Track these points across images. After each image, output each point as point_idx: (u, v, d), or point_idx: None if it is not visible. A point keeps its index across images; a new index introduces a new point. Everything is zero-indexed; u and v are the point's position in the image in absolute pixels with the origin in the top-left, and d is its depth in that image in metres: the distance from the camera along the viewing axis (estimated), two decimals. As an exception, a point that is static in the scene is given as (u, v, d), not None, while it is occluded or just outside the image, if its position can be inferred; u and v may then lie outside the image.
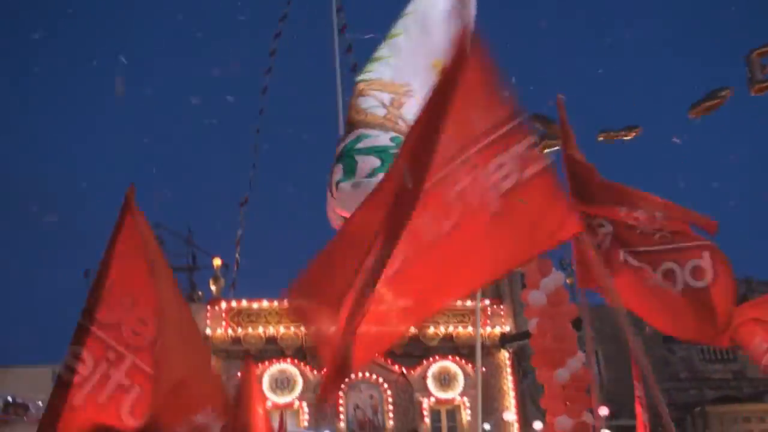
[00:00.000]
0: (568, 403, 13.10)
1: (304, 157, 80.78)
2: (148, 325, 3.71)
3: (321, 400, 21.89)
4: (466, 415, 24.52)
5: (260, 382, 23.53)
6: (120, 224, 3.86)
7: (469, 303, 25.48)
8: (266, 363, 23.75)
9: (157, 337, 3.69)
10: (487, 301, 25.07)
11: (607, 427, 21.07)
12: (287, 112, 62.37)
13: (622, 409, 19.98)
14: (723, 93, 14.19)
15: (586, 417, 13.21)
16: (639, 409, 9.25)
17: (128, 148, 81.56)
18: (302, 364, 23.88)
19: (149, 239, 3.96)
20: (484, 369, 24.34)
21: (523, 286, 14.54)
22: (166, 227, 33.16)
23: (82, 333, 3.65)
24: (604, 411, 21.92)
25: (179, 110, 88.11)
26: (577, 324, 14.83)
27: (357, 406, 24.07)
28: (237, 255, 27.87)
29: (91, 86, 76.47)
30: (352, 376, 24.12)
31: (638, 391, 9.32)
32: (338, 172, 7.74)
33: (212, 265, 25.76)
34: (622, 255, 5.20)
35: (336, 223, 7.77)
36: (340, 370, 4.12)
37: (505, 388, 25.03)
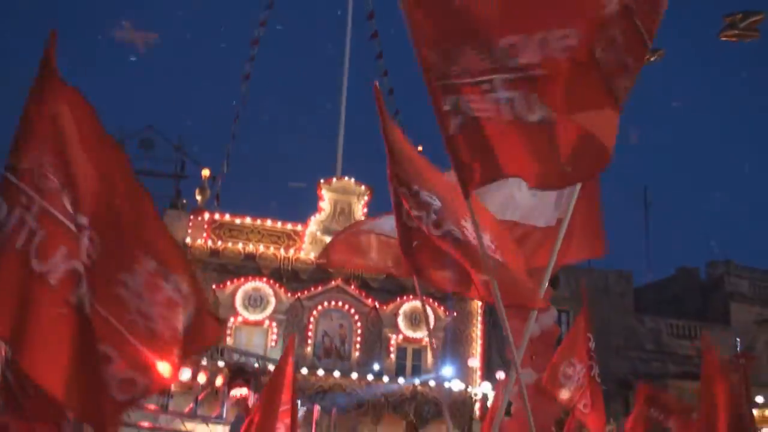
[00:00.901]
0: (534, 357, 13.20)
1: (299, 77, 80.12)
2: (60, 171, 3.64)
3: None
4: (431, 356, 24.80)
5: (233, 297, 23.69)
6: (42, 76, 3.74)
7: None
8: (242, 279, 23.84)
9: (74, 181, 3.65)
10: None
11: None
12: (290, 29, 61.66)
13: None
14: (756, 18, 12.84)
15: (549, 373, 13.36)
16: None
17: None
18: (277, 285, 23.97)
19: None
20: (455, 313, 24.56)
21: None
22: (157, 130, 33.04)
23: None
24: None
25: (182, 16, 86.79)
26: (554, 282, 14.89)
27: (326, 333, 24.27)
28: (224, 167, 27.76)
29: (101, -21, 75.06)
30: (325, 303, 24.30)
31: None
32: None
33: (200, 176, 25.69)
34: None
35: None
36: None
37: (473, 335, 25.29)
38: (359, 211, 25.16)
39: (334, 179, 25.62)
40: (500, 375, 15.22)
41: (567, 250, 4.96)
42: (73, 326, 3.55)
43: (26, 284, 3.50)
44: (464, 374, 24.35)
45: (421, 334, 24.74)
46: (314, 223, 24.81)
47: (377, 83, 5.08)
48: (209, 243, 24.00)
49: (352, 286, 24.42)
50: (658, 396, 10.45)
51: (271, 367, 21.01)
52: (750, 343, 29.16)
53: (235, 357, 19.47)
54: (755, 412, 25.07)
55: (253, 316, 23.78)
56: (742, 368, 9.58)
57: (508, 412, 17.54)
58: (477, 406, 23.36)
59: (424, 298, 24.06)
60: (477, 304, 25.40)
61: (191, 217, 24.39)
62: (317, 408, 19.71)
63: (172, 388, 19.19)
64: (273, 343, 23.64)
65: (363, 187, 25.37)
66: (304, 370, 21.82)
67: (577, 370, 9.63)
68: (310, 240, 24.52)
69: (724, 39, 12.77)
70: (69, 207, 3.65)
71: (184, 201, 25.67)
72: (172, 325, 3.80)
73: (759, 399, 27.20)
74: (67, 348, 3.53)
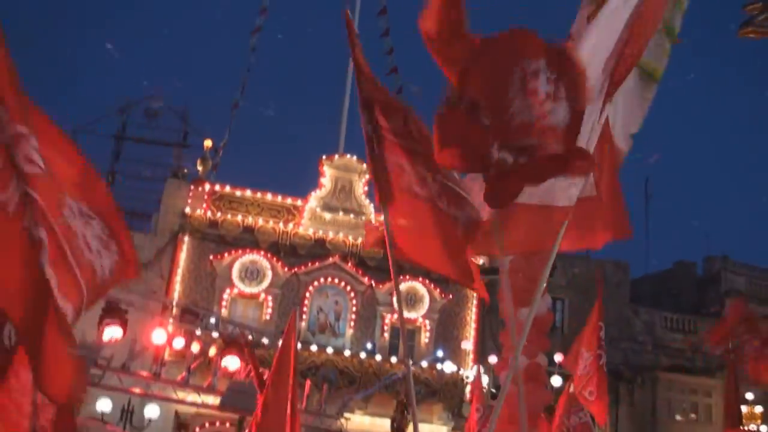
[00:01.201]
0: (526, 342, 13.25)
1: (306, 51, 79.79)
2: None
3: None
4: (424, 337, 24.87)
5: (230, 269, 23.72)
6: None
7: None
8: (239, 251, 23.86)
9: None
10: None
11: (560, 374, 21.51)
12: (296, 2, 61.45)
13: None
14: None
15: (541, 359, 13.41)
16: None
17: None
18: (275, 258, 23.99)
19: None
20: (451, 296, 24.60)
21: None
22: (161, 99, 32.98)
23: None
24: (558, 358, 22.35)
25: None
26: (551, 270, 14.91)
27: (320, 309, 24.31)
28: (226, 136, 27.67)
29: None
30: (321, 279, 24.34)
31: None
32: None
33: (203, 146, 25.64)
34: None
35: None
36: None
37: (468, 318, 25.34)
38: (360, 189, 25.14)
39: (336, 156, 25.58)
40: (492, 359, 15.27)
41: (592, 233, 4.99)
42: (25, 250, 3.53)
43: None
44: (457, 357, 24.43)
45: (415, 314, 24.80)
46: (314, 198, 24.79)
47: (348, 11, 5.11)
48: (208, 214, 23.98)
49: (349, 264, 24.45)
50: (753, 318, 10.44)
51: (264, 341, 21.12)
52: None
53: (230, 328, 19.51)
54: (744, 408, 25.27)
55: (249, 288, 23.82)
56: (732, 364, 9.64)
57: (495, 397, 17.62)
58: (468, 389, 23.45)
59: (420, 279, 24.23)
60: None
61: (191, 187, 24.36)
62: (309, 383, 19.79)
63: (166, 356, 19.31)
64: (267, 317, 23.69)
65: (364, 166, 25.32)
66: (298, 345, 21.82)
67: (585, 358, 9.78)
68: (309, 215, 24.52)
69: (742, 37, 12.44)
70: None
71: (186, 171, 25.64)
72: (98, 264, 3.81)
73: (749, 396, 27.35)
74: (20, 270, 3.51)
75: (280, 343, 7.52)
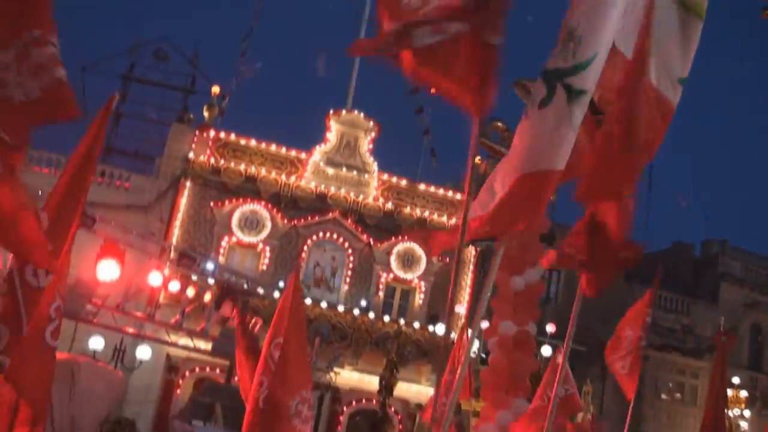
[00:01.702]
0: (516, 310, 13.33)
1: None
2: None
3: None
4: (418, 299, 25.00)
5: (230, 217, 23.77)
6: None
7: (450, 193, 25.64)
8: (240, 200, 23.88)
9: None
10: (458, 196, 25.14)
11: (551, 345, 21.67)
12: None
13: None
14: None
15: (530, 327, 13.51)
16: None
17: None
18: (275, 210, 24.01)
19: None
20: (448, 259, 24.66)
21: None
22: (172, 43, 32.79)
23: None
24: (551, 328, 22.52)
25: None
26: (547, 238, 14.95)
27: (317, 264, 24.40)
28: (233, 85, 27.47)
29: None
30: (320, 233, 24.40)
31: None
32: None
33: (210, 92, 25.52)
34: None
35: None
36: None
37: (463, 283, 25.43)
38: (365, 146, 25.05)
39: (344, 111, 25.45)
40: (484, 324, 15.33)
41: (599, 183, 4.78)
42: None
43: None
44: (450, 320, 24.54)
45: (411, 275, 24.90)
46: (318, 152, 24.71)
47: None
48: (212, 161, 23.95)
49: (349, 221, 24.47)
50: None
51: (260, 290, 21.21)
52: (735, 325, 29.37)
53: (226, 276, 19.60)
54: (729, 392, 25.49)
55: (248, 238, 23.88)
56: (722, 346, 9.75)
57: (485, 362, 17.81)
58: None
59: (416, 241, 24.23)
60: (471, 252, 25.52)
61: (196, 132, 24.28)
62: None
63: (161, 299, 19.44)
64: (264, 267, 23.79)
65: (371, 123, 25.23)
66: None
67: (628, 336, 10.09)
68: (312, 169, 24.48)
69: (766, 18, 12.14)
70: None
71: (192, 116, 25.52)
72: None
73: (735, 380, 27.59)
74: None
75: (276, 294, 7.53)
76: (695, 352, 29.38)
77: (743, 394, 28.07)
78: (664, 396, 29.21)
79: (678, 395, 29.74)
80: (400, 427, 23.66)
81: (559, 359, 10.83)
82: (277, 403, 6.62)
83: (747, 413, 27.98)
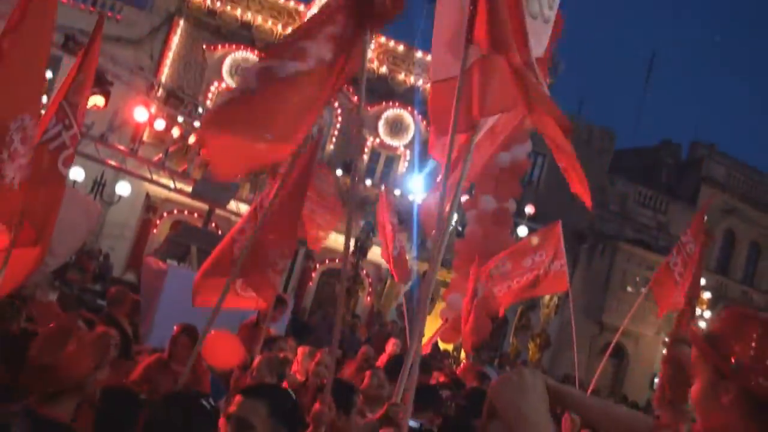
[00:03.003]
0: (498, 185, 13.36)
1: None
2: None
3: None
4: (402, 166, 25.00)
5: (221, 63, 23.32)
6: None
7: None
8: (233, 46, 23.36)
9: None
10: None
11: (528, 227, 21.91)
12: None
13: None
14: None
15: (510, 204, 13.58)
16: None
17: None
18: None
19: None
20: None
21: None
22: None
23: None
24: (529, 209, 22.70)
25: None
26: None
27: (304, 121, 24.15)
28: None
29: None
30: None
31: None
32: None
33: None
34: None
35: None
36: None
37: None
38: (366, 5, 24.35)
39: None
40: (463, 198, 15.38)
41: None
42: None
43: None
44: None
45: (398, 143, 24.81)
46: (317, 6, 24.03)
47: None
48: (207, 1, 23.28)
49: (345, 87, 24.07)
50: None
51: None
52: (709, 228, 29.73)
53: (212, 121, 19.39)
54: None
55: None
56: (700, 244, 9.88)
57: (461, 234, 17.91)
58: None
59: (409, 109, 24.08)
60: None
61: (195, -31, 23.50)
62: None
63: (145, 137, 19.29)
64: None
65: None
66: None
67: (680, 271, 10.10)
68: (309, 23, 23.85)
69: None
70: None
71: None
72: None
73: (702, 281, 28.17)
74: None
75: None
76: (666, 251, 29.80)
77: (706, 295, 28.71)
78: (629, 289, 29.85)
79: (643, 290, 30.40)
80: (370, 289, 24.14)
81: (534, 242, 10.96)
82: (258, 252, 6.69)
83: (707, 314, 28.73)
